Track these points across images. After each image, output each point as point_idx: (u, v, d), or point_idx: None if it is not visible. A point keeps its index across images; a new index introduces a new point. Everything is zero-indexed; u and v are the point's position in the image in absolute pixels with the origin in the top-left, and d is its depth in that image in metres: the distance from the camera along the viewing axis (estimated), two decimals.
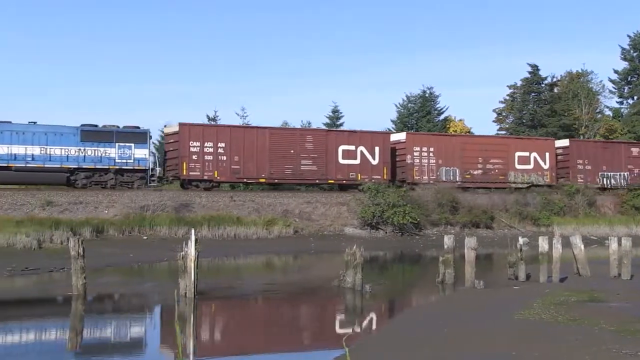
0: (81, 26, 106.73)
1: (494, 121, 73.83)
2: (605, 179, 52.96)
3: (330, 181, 45.37)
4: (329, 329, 18.24)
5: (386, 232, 40.75)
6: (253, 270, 30.10)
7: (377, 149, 45.98)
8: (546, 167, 51.38)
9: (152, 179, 40.21)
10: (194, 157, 41.90)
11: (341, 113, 68.08)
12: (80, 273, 20.45)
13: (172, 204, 37.54)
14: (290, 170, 43.96)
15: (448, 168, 48.40)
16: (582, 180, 51.63)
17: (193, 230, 21.27)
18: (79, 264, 20.48)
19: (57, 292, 22.04)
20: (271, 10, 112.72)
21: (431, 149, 48.11)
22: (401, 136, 49.08)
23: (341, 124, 66.33)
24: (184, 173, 41.66)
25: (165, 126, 43.79)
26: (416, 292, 24.24)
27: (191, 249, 19.86)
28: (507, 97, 72.54)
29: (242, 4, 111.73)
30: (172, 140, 43.12)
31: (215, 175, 42.31)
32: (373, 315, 20.02)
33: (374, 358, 13.57)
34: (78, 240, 20.94)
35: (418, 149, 47.77)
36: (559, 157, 52.64)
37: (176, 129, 42.55)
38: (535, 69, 69.23)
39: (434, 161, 48.17)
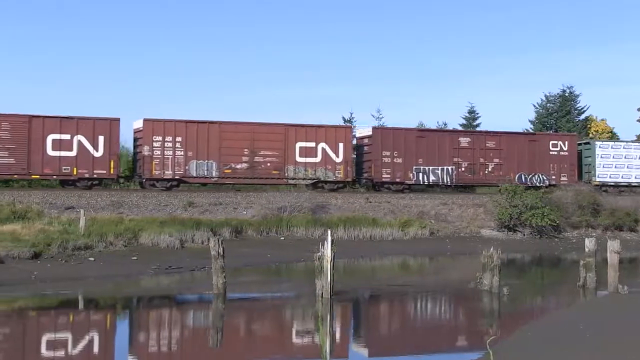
0: (225, 34, 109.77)
1: (638, 120, 70.93)
2: (421, 175, 44.48)
3: (34, 176, 38.67)
4: (467, 331, 18.04)
5: (524, 235, 39.85)
6: (389, 271, 30.09)
7: (101, 138, 38.85)
8: (339, 160, 42.71)
9: None
10: None
11: (478, 114, 67.18)
12: (220, 272, 21.00)
13: (308, 205, 37.98)
14: None
15: (201, 161, 40.68)
16: (388, 176, 43.69)
17: (329, 231, 21.46)
18: (219, 264, 21.04)
19: (199, 290, 22.74)
20: (406, 13, 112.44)
21: (178, 139, 40.27)
22: (139, 124, 41.20)
23: (477, 125, 65.40)
24: None
25: None
26: (556, 295, 23.62)
27: (327, 250, 20.05)
28: None
29: (377, 7, 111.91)
30: None
31: None
32: (512, 318, 19.66)
33: None
34: (218, 240, 21.50)
35: (159, 138, 40.01)
36: (365, 149, 44.74)
37: None
38: None
39: (182, 153, 40.34)
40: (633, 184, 47.94)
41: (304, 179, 42.14)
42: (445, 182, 45.01)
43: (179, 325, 18.58)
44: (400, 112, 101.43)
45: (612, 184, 47.77)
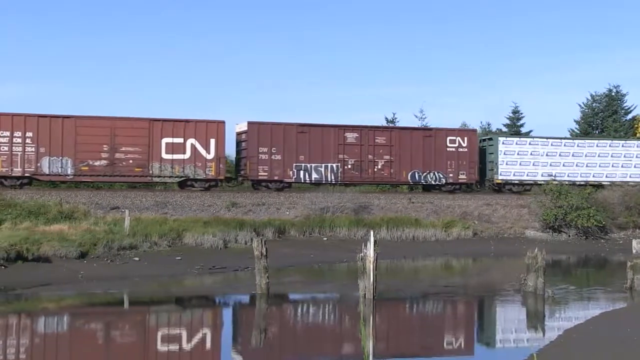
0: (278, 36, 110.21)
1: None
2: (302, 172, 41.55)
3: None
4: (511, 333, 17.91)
5: (569, 236, 39.41)
6: (432, 272, 29.99)
7: None
8: (210, 156, 39.92)
9: None
10: None
11: (522, 114, 66.47)
12: (263, 272, 21.11)
13: (351, 205, 38.00)
14: None
15: (55, 158, 37.78)
16: (265, 174, 40.89)
17: (372, 232, 21.44)
18: (262, 264, 21.15)
19: (242, 290, 22.88)
20: (451, 14, 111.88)
21: (28, 134, 37.46)
22: None
23: (521, 125, 64.84)
24: None
25: None
26: (602, 297, 23.30)
27: (370, 250, 20.04)
28: None
29: (421, 8, 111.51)
30: None
31: None
32: (557, 320, 19.47)
33: None
34: (261, 241, 21.63)
35: (7, 133, 37.27)
36: (242, 144, 41.99)
37: None
38: None
39: (33, 149, 37.55)
40: (539, 182, 44.64)
41: (171, 177, 39.92)
42: (330, 180, 42.09)
43: (220, 324, 18.71)
44: (444, 113, 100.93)
45: (517, 182, 44.92)
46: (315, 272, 28.65)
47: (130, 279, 24.41)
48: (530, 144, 45.97)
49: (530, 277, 21.83)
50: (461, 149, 44.30)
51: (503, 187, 44.79)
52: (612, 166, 46.60)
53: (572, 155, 46.17)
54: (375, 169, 42.99)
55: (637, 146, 47.53)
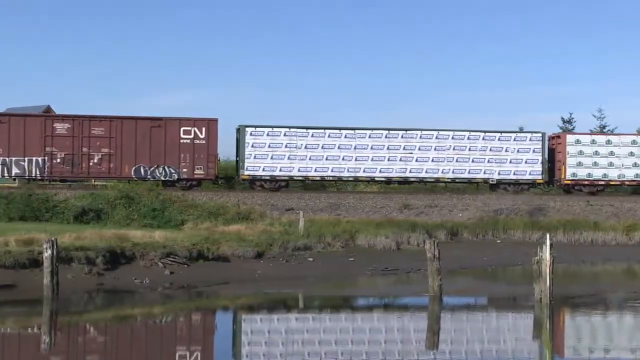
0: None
1: None
2: (1, 167, 37.84)
3: None
4: None
5: None
6: (612, 277, 28.83)
7: None
8: None
9: None
10: None
11: None
12: (435, 274, 21.03)
13: (525, 207, 37.27)
14: None
15: None
16: None
17: (548, 235, 20.91)
18: (435, 266, 21.07)
19: (415, 292, 22.92)
20: (629, 8, 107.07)
21: None
22: None
23: None
24: None
25: None
26: None
27: (546, 254, 19.55)
28: None
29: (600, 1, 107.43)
30: None
31: None
32: None
33: None
34: (433, 242, 21.56)
35: None
36: None
37: None
38: None
39: None
40: (295, 178, 40.92)
41: None
42: (34, 175, 38.41)
43: (391, 326, 18.83)
44: (626, 113, 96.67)
45: (267, 177, 40.36)
46: (489, 274, 28.27)
47: (305, 279, 24.91)
48: (285, 135, 40.84)
49: None
50: (198, 141, 39.76)
51: (254, 184, 40.78)
52: (389, 160, 41.05)
53: (338, 148, 41.00)
54: (91, 164, 39.03)
55: (420, 137, 41.48)
